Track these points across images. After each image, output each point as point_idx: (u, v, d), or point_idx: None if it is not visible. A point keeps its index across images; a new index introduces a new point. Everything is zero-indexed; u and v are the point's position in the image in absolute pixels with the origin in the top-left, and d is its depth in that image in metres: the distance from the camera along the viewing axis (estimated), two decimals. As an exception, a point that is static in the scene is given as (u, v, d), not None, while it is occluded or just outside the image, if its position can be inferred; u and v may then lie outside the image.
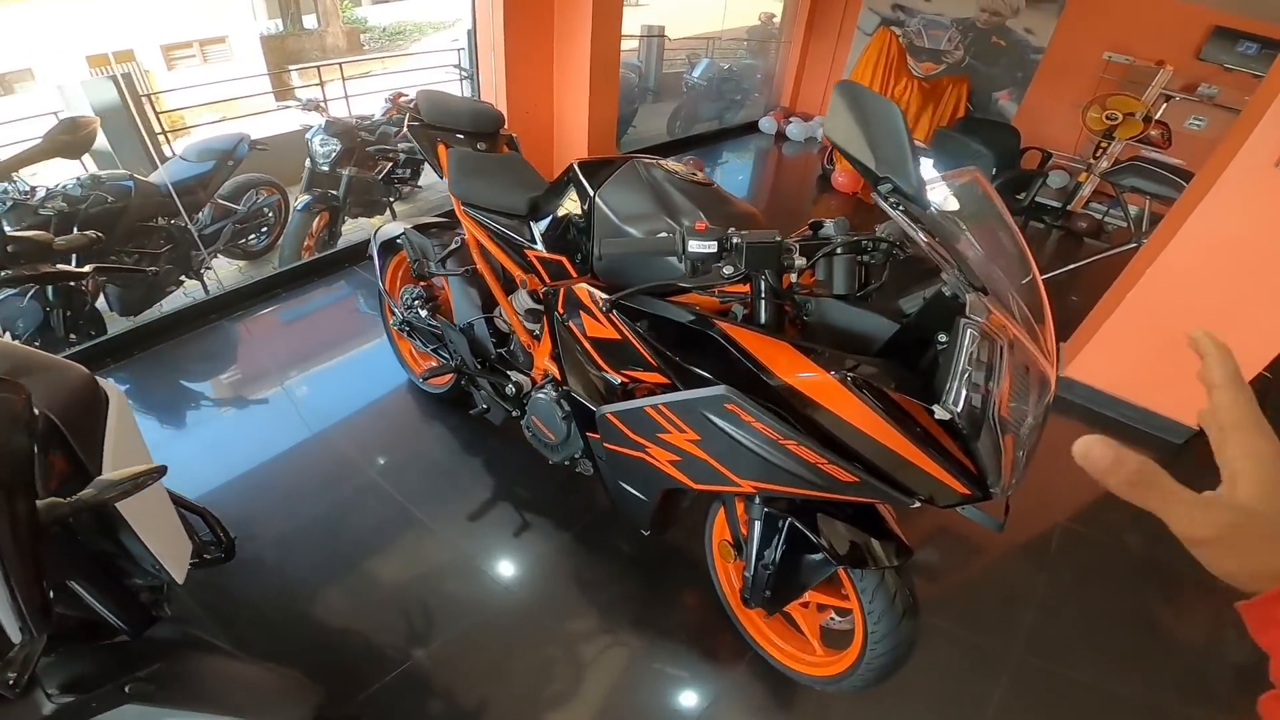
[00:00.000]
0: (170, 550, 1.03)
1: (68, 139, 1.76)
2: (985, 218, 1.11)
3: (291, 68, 8.24)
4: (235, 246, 3.87)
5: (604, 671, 1.66)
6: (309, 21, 9.48)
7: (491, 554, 1.94)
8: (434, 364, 2.24)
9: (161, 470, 0.81)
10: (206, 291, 3.35)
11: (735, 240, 1.09)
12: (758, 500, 1.32)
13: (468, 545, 1.96)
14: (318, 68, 5.03)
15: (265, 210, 3.97)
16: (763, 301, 1.14)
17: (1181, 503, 0.35)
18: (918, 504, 1.06)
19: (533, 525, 2.03)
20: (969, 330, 0.89)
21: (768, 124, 6.49)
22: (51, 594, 0.72)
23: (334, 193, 3.81)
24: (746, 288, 1.17)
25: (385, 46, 13.26)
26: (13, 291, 2.84)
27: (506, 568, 1.91)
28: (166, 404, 2.55)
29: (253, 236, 3.98)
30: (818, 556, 1.30)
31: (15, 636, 0.68)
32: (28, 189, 2.85)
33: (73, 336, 2.88)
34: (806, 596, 1.46)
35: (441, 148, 2.07)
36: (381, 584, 1.84)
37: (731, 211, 1.45)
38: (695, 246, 1.09)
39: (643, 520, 1.54)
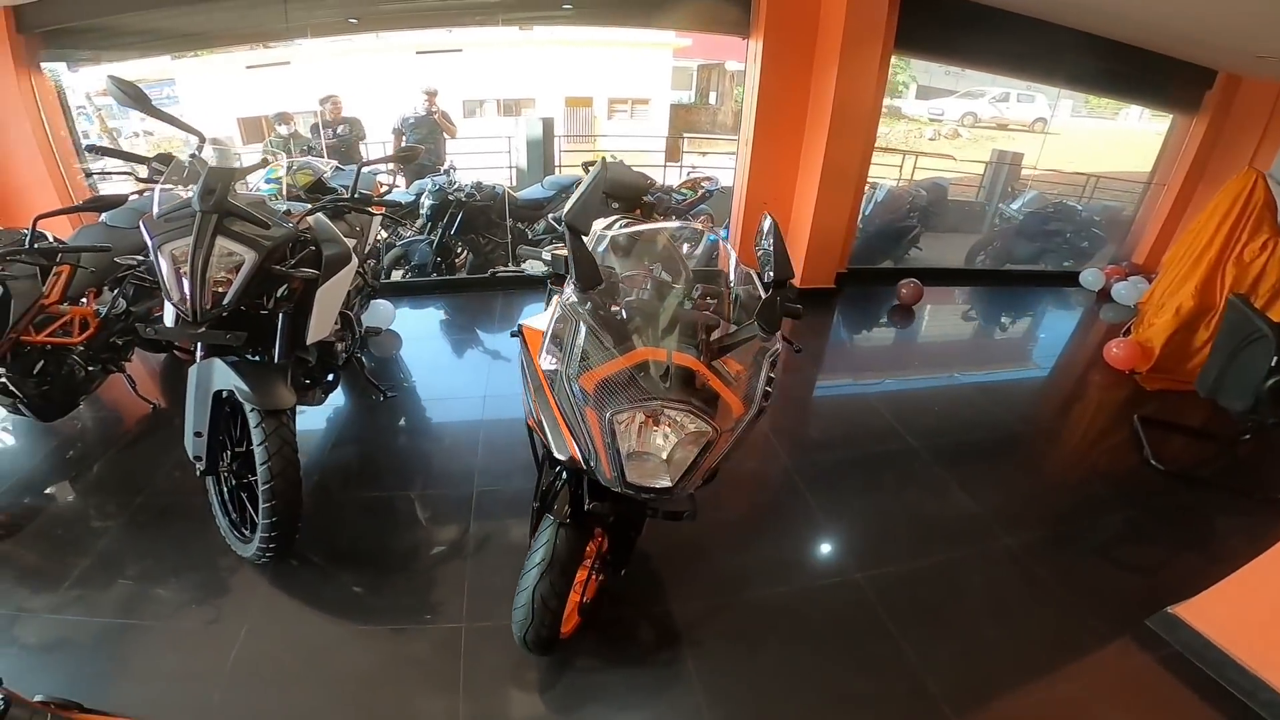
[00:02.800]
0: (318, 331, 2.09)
1: (406, 155, 3.12)
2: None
3: (686, 134, 10.38)
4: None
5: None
6: (712, 98, 11.67)
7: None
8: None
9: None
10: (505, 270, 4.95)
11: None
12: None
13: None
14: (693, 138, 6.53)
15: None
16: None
17: None
18: None
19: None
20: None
21: (1092, 278, 5.40)
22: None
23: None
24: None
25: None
26: (421, 239, 4.78)
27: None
28: (430, 326, 4.04)
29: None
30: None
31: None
32: (446, 182, 4.77)
33: (434, 274, 4.72)
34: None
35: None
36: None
37: None
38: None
39: None
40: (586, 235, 1.32)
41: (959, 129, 13.42)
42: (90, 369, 2.71)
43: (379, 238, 3.51)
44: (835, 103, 3.89)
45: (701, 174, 5.77)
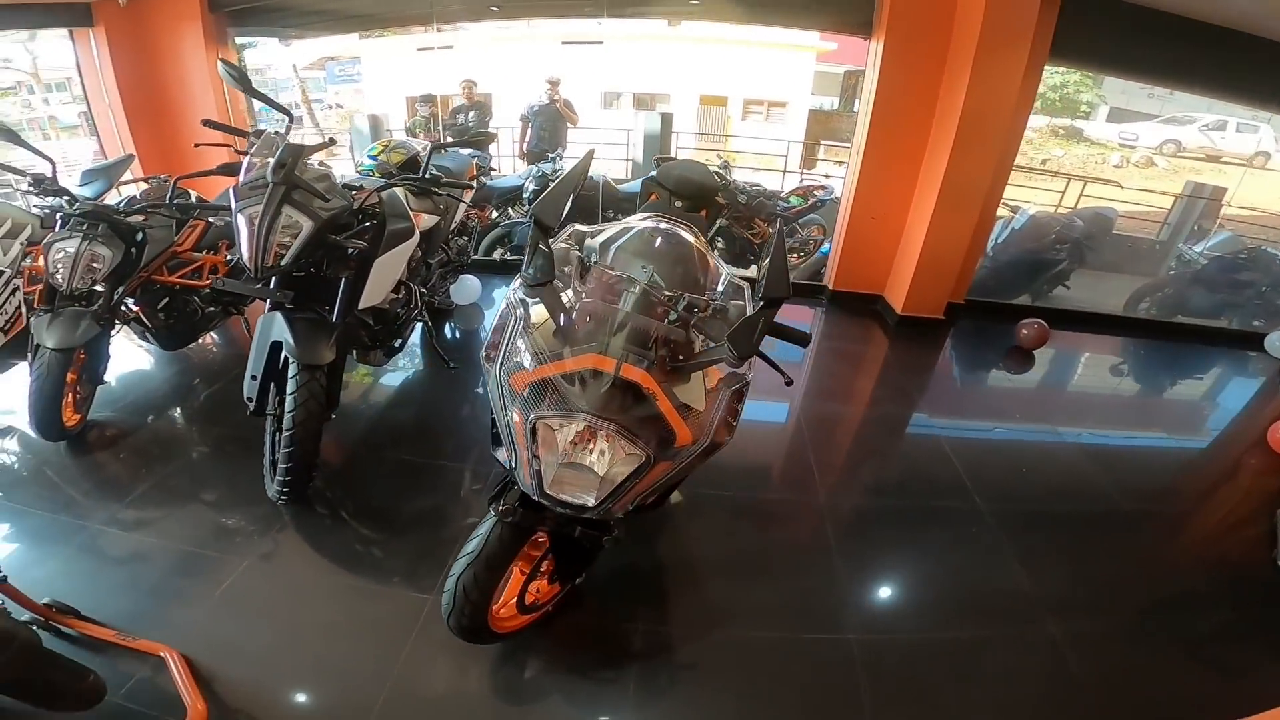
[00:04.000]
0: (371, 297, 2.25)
1: (479, 140, 3.24)
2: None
3: (823, 141, 9.90)
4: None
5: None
6: (856, 106, 11.01)
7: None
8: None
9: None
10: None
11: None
12: None
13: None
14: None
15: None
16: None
17: None
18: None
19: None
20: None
21: (1278, 342, 4.43)
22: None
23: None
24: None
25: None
26: (523, 221, 4.98)
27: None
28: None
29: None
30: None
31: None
32: (551, 169, 4.91)
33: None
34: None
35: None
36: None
37: None
38: None
39: None
40: (553, 229, 1.26)
41: (1155, 157, 11.64)
42: (211, 309, 3.11)
43: (468, 217, 3.69)
44: (963, 114, 3.49)
45: (815, 182, 5.47)
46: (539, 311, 1.27)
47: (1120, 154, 12.03)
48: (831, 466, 2.73)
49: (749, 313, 1.23)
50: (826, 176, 6.55)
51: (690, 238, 1.57)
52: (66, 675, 1.37)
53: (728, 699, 1.69)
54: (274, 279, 2.09)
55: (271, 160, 1.98)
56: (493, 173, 5.23)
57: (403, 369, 3.36)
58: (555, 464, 1.22)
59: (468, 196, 3.33)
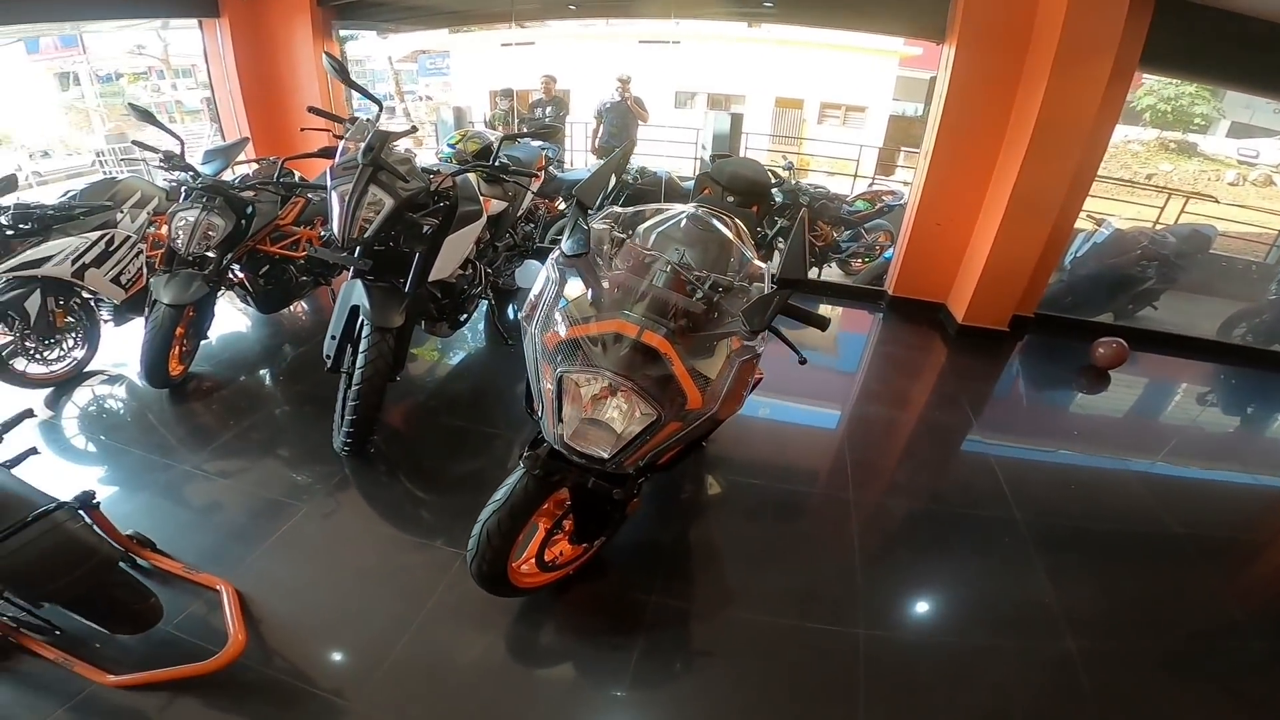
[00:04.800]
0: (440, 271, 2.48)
1: (546, 132, 3.40)
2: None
3: (904, 148, 9.64)
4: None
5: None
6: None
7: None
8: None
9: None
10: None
11: None
12: None
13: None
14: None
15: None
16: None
17: None
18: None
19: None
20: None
21: None
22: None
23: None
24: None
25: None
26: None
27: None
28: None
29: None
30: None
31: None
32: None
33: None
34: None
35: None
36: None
37: None
38: None
39: None
40: (591, 207, 1.40)
41: (1275, 175, 10.68)
42: (304, 279, 3.45)
43: (536, 206, 3.90)
44: (1039, 122, 3.39)
45: (884, 187, 5.39)
46: (574, 284, 1.40)
47: (1238, 171, 11.11)
48: (866, 465, 2.74)
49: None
50: (903, 184, 6.40)
51: (725, 229, 1.67)
52: (131, 594, 1.54)
53: (725, 677, 1.76)
54: (358, 250, 2.32)
55: (363, 144, 2.22)
56: (563, 166, 5.45)
57: (465, 344, 3.60)
58: (577, 417, 1.35)
59: (535, 186, 3.52)
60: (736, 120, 6.48)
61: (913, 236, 4.20)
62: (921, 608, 2.08)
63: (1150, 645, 1.97)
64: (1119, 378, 3.90)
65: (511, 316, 3.90)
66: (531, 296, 1.47)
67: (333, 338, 2.39)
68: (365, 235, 2.24)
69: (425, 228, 2.42)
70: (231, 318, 3.65)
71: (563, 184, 5.15)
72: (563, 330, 1.34)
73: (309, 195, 3.34)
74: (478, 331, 3.72)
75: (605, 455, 1.36)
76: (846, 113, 10.45)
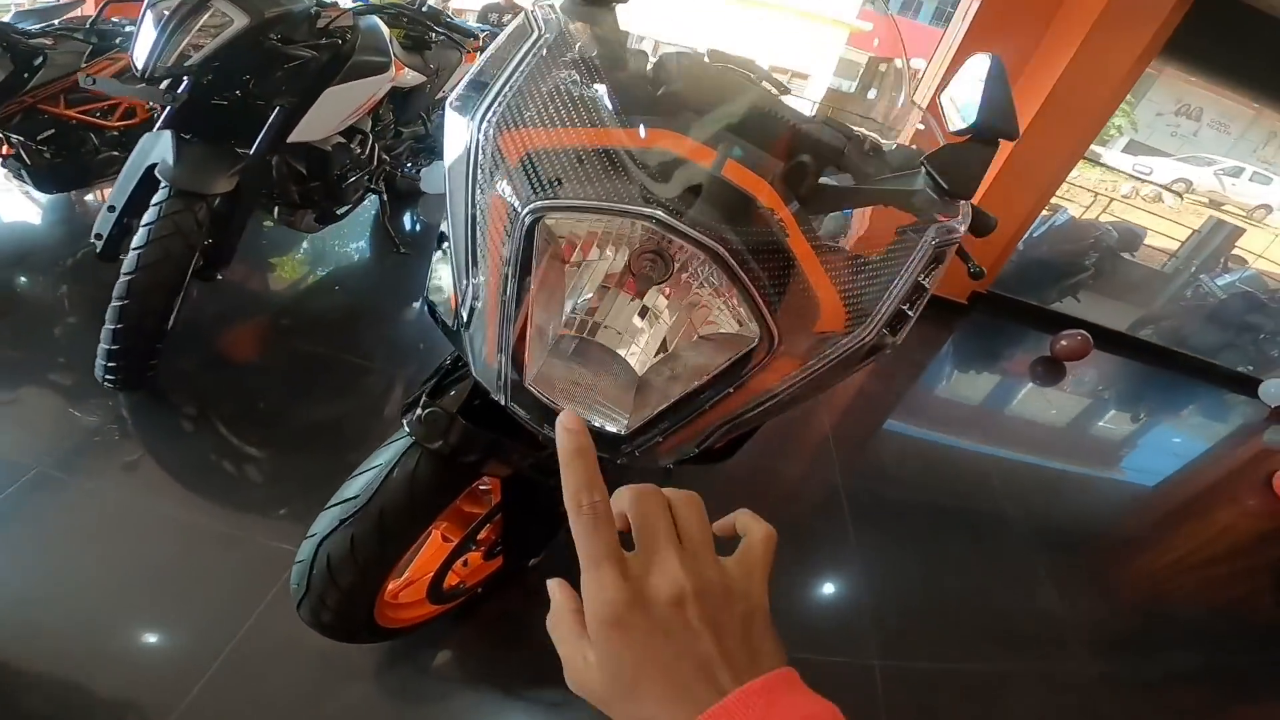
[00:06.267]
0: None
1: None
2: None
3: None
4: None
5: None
6: (871, 94, 10.59)
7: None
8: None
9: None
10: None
11: None
12: None
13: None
14: None
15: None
16: None
17: (566, 653, 0.32)
18: None
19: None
20: None
21: (1274, 390, 4.24)
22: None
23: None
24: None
25: None
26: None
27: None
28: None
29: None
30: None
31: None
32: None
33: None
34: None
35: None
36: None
37: None
38: None
39: None
40: None
41: (1164, 194, 11.50)
42: (112, 153, 2.46)
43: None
44: (1052, 92, 3.01)
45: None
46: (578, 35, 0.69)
47: (1131, 185, 11.86)
48: (849, 442, 2.32)
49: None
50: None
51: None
52: None
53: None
54: (166, 82, 1.48)
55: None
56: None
57: (339, 246, 2.73)
58: (551, 335, 0.65)
59: (471, 65, 2.69)
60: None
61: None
62: (933, 626, 1.65)
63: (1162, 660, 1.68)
64: (1076, 371, 3.71)
65: (409, 227, 3.07)
66: (468, 80, 0.68)
67: (111, 209, 1.53)
68: (187, 63, 1.42)
69: (292, 71, 1.63)
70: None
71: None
72: (551, 128, 0.61)
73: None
74: (359, 231, 2.85)
75: (620, 425, 0.66)
76: (791, 78, 10.01)
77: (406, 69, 2.25)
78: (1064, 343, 3.66)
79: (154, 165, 1.48)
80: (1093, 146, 3.79)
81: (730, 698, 0.28)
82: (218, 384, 1.76)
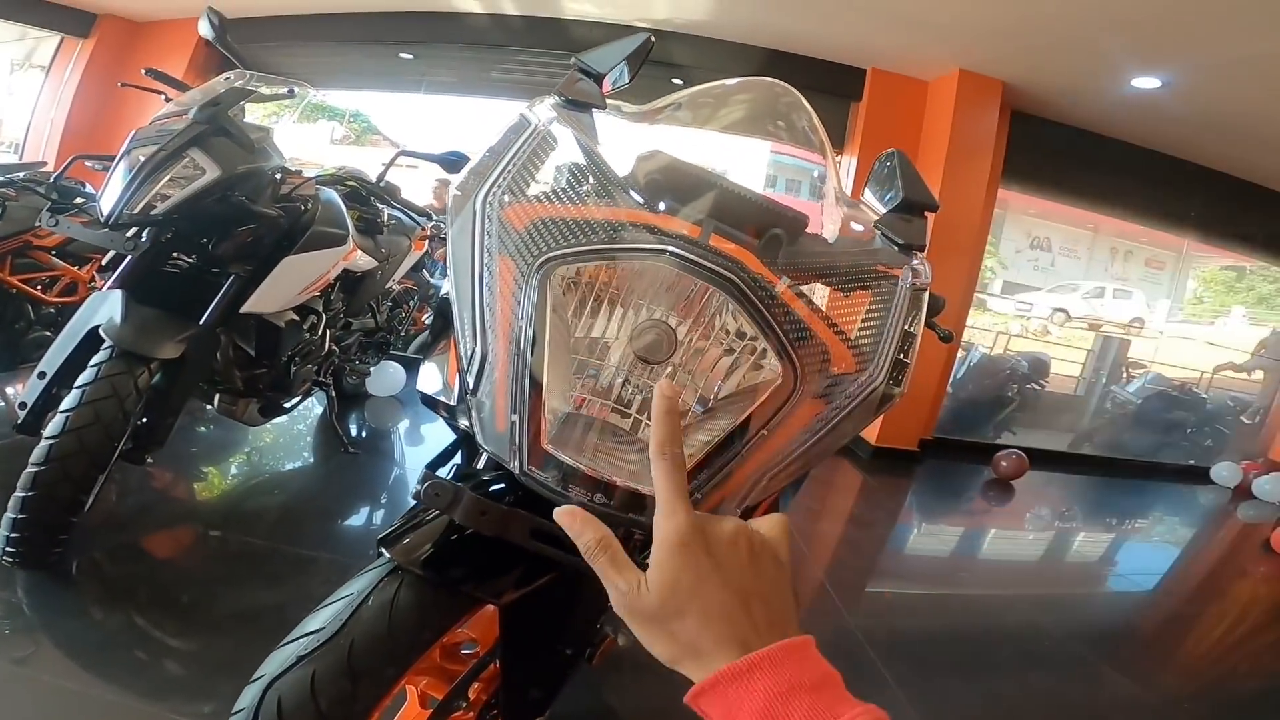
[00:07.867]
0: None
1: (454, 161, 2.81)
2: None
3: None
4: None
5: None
6: None
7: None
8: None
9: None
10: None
11: None
12: None
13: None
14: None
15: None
16: None
17: (623, 579, 0.35)
18: None
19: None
20: None
21: (1225, 472, 4.79)
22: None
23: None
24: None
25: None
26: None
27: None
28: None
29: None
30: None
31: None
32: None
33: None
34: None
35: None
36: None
37: None
38: None
39: None
40: (603, 75, 0.78)
41: (1049, 326, 12.85)
42: (45, 333, 2.33)
43: (407, 291, 3.13)
44: (935, 229, 3.46)
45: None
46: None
47: (1020, 322, 13.20)
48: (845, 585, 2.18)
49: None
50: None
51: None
52: None
53: None
54: (130, 230, 1.47)
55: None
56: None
57: (283, 440, 2.59)
58: (570, 385, 0.60)
59: (418, 253, 2.80)
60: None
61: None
62: None
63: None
64: (1022, 488, 3.91)
65: (357, 430, 2.94)
66: (479, 158, 0.67)
67: (41, 375, 1.41)
68: (153, 212, 1.42)
69: (252, 233, 1.65)
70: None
71: (434, 290, 4.24)
72: (558, 205, 0.62)
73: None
74: (304, 429, 2.73)
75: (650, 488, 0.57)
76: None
77: (359, 251, 2.29)
78: (1004, 464, 3.95)
79: (97, 327, 1.40)
80: (976, 294, 4.31)
81: (774, 648, 0.33)
82: (136, 571, 1.55)
